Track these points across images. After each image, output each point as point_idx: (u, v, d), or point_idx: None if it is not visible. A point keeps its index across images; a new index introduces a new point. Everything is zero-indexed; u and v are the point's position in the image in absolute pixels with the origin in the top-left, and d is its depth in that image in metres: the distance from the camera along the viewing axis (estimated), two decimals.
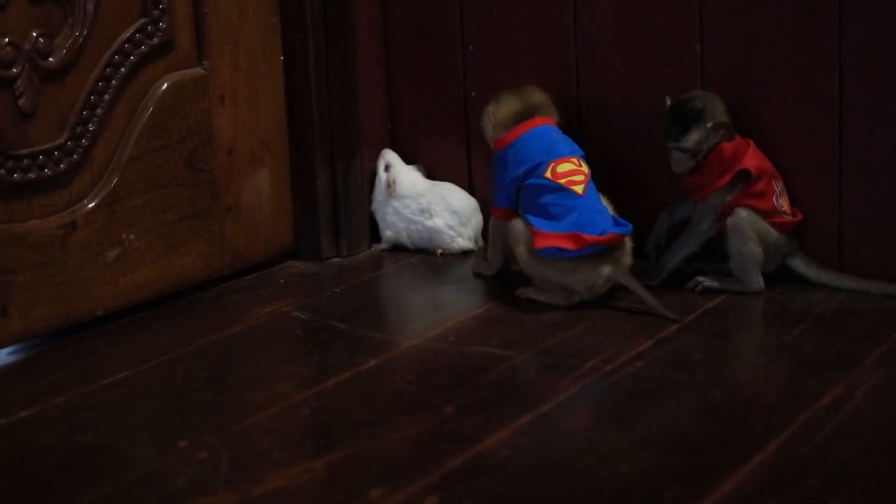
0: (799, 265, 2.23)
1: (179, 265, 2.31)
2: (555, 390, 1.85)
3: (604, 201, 2.21)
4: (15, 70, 2.06)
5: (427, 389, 1.87)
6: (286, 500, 1.56)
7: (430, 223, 2.50)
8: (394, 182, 2.51)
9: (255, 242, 2.47)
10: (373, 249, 2.54)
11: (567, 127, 2.42)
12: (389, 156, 2.57)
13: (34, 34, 2.08)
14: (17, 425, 1.83)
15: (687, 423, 1.73)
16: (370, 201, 2.57)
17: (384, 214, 2.54)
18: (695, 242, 2.24)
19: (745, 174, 2.18)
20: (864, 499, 1.51)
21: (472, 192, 2.57)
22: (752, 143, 2.23)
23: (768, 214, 2.19)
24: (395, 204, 2.52)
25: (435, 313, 2.29)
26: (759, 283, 2.20)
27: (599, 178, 2.42)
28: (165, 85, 2.28)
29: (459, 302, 2.34)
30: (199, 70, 2.34)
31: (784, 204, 2.22)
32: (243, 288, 2.39)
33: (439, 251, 2.52)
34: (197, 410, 1.83)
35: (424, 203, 2.50)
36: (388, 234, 2.55)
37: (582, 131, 2.43)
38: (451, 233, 2.51)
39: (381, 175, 2.55)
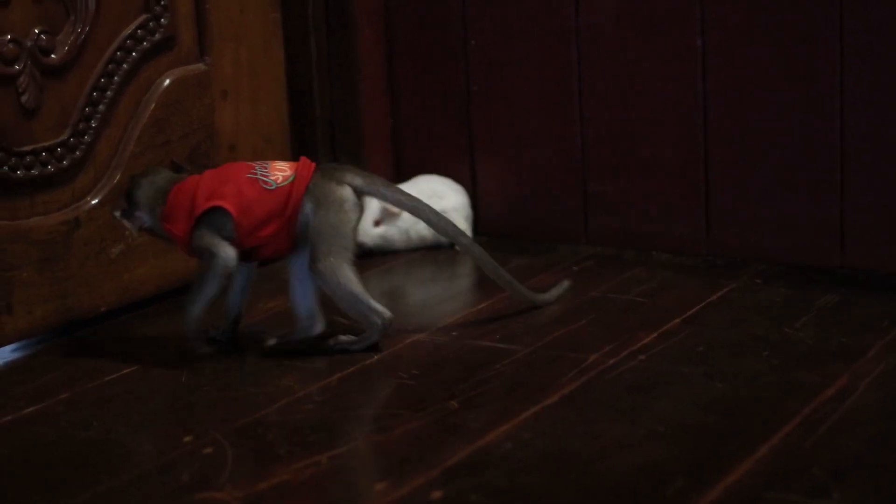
0: None
1: (183, 261, 2.30)
2: (558, 384, 1.85)
3: None
4: (17, 67, 2.06)
5: (431, 384, 1.88)
6: (291, 494, 1.57)
7: (442, 204, 2.50)
8: (396, 214, 2.48)
9: None
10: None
11: (569, 118, 2.43)
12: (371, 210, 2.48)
13: (36, 31, 2.08)
14: (23, 421, 1.83)
15: (690, 415, 1.74)
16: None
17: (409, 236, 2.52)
18: None
19: None
20: (867, 489, 1.51)
21: (473, 186, 2.58)
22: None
23: None
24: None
25: (438, 308, 2.29)
26: None
27: (600, 169, 2.44)
28: (167, 81, 2.29)
29: (462, 296, 2.35)
30: (200, 66, 2.34)
31: None
32: None
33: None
34: (202, 406, 1.83)
35: (426, 189, 2.50)
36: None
37: (583, 124, 2.43)
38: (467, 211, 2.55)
39: (381, 227, 2.50)
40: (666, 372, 1.87)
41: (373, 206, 2.46)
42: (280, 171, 1.98)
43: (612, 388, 1.83)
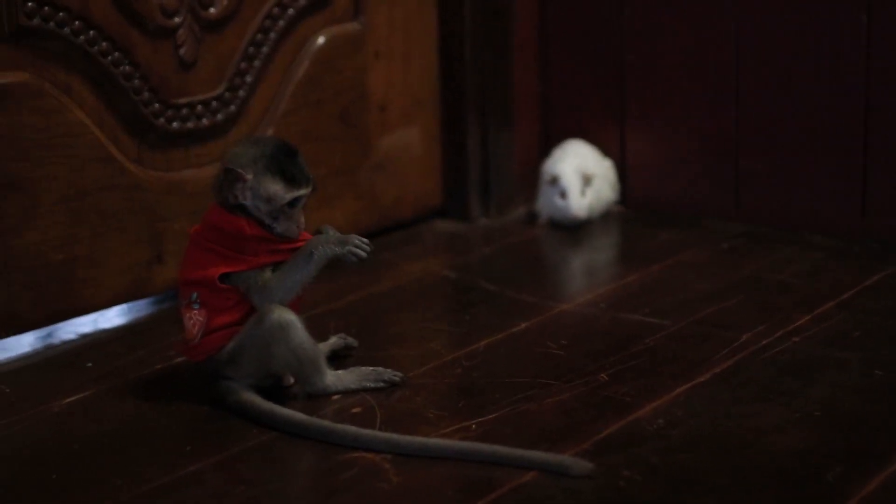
0: None
1: (329, 220, 2.28)
2: (710, 362, 1.81)
3: None
4: (177, 20, 2.07)
5: (580, 355, 1.85)
6: (440, 459, 1.56)
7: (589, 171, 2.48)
8: (589, 177, 2.45)
9: (404, 200, 2.46)
10: (538, 222, 2.50)
11: (724, 91, 2.38)
12: (566, 180, 2.43)
13: None
14: (172, 371, 1.85)
15: (847, 401, 1.69)
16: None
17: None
18: None
19: None
20: None
21: (622, 156, 2.54)
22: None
23: None
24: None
25: (585, 278, 2.27)
26: None
27: (754, 144, 2.39)
28: (322, 39, 2.28)
29: (610, 268, 2.32)
30: (355, 25, 2.34)
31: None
32: (391, 245, 2.39)
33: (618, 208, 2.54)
34: (348, 366, 1.82)
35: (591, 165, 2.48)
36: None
37: (739, 99, 2.38)
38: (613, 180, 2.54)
39: (563, 200, 2.44)
40: (821, 356, 1.83)
41: (570, 177, 2.42)
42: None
43: (765, 369, 1.79)
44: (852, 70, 2.27)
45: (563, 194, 2.42)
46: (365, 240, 1.73)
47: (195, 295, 1.73)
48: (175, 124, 2.09)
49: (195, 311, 1.73)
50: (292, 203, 1.71)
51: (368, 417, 1.67)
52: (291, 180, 1.71)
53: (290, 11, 2.23)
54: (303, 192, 1.72)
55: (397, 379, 1.76)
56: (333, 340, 1.87)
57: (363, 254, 1.72)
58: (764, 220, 2.41)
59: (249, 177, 1.70)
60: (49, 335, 2.02)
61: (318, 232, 1.77)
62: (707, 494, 1.47)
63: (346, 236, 1.73)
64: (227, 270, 1.71)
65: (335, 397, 1.73)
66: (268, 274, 1.72)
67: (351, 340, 1.88)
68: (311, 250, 1.72)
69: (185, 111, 2.11)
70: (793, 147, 2.36)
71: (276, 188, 1.70)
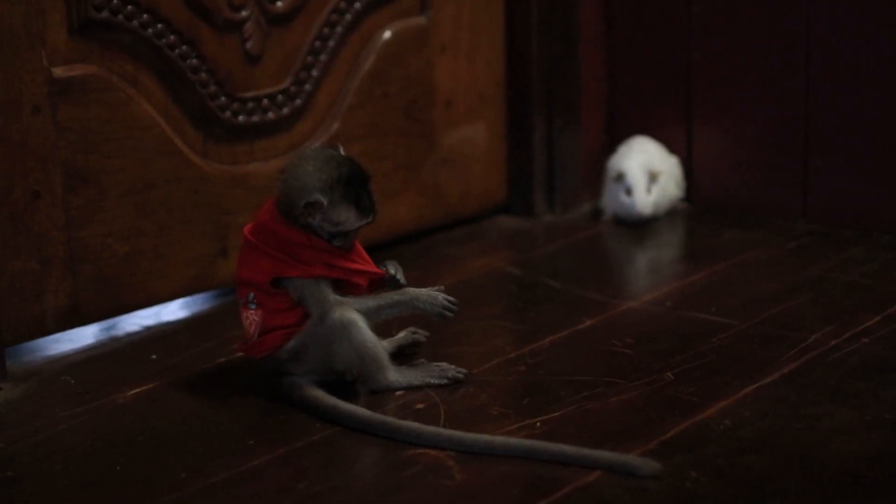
0: None
1: (393, 214, 2.31)
2: (778, 362, 1.79)
3: None
4: (244, 13, 2.07)
5: (645, 353, 1.84)
6: (504, 457, 1.55)
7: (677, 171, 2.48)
8: (655, 174, 2.43)
9: (468, 195, 2.45)
10: (602, 219, 2.49)
11: (793, 89, 2.35)
12: (631, 178, 2.41)
13: None
14: (233, 366, 1.86)
15: None
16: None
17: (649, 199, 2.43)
18: None
19: None
20: None
21: (689, 154, 2.52)
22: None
23: None
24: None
25: (651, 276, 2.24)
26: None
27: (822, 143, 2.35)
28: (388, 34, 2.28)
29: (675, 266, 2.30)
30: (421, 20, 2.33)
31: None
32: (454, 241, 2.39)
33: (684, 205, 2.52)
34: (413, 362, 1.81)
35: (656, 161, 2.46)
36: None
37: (807, 96, 2.35)
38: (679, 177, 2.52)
39: (628, 197, 2.42)
40: (891, 357, 1.80)
41: (636, 174, 2.40)
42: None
43: (834, 370, 1.76)
44: None
45: (629, 191, 2.40)
46: (451, 298, 1.76)
47: (251, 295, 1.74)
48: (241, 118, 2.10)
49: (251, 311, 1.74)
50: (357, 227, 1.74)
51: (432, 414, 1.66)
52: (363, 210, 1.72)
53: (357, 5, 2.23)
54: (369, 220, 1.74)
55: (461, 376, 1.76)
56: (403, 335, 1.87)
57: (450, 315, 1.75)
58: (832, 219, 2.37)
59: (325, 202, 1.70)
60: (113, 327, 2.03)
61: (383, 267, 1.78)
62: (775, 497, 1.45)
63: (434, 295, 1.75)
64: (280, 275, 1.71)
65: (399, 393, 1.73)
66: (324, 287, 1.72)
67: (420, 336, 1.88)
68: (406, 300, 1.74)
69: (250, 105, 2.11)
70: (862, 145, 2.33)
71: (349, 216, 1.72)
